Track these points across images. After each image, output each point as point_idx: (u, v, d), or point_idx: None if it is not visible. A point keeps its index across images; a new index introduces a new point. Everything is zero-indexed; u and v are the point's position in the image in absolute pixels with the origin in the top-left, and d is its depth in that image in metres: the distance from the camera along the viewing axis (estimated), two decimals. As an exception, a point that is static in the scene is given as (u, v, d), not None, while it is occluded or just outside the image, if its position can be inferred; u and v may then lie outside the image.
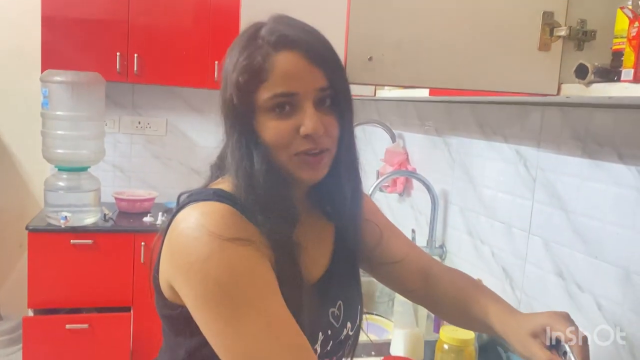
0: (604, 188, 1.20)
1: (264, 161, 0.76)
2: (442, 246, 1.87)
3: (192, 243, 0.70)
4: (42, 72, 2.55)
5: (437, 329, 1.47)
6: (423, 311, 1.45)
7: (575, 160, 1.29)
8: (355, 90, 0.86)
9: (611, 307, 1.18)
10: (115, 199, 2.87)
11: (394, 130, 2.24)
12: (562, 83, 0.92)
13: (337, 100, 0.79)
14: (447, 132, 1.88)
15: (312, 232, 0.86)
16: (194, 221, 0.72)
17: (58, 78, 2.47)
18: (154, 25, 2.74)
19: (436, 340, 1.35)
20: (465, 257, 1.75)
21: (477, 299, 0.91)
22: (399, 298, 1.46)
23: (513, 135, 1.53)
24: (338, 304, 0.88)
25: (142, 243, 2.61)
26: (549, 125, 1.39)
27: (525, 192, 1.46)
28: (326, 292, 0.86)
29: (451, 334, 1.29)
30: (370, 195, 1.83)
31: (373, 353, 1.43)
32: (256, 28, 0.78)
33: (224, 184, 0.80)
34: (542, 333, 0.79)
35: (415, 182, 2.09)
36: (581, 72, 0.86)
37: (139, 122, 3.11)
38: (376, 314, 1.94)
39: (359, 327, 0.94)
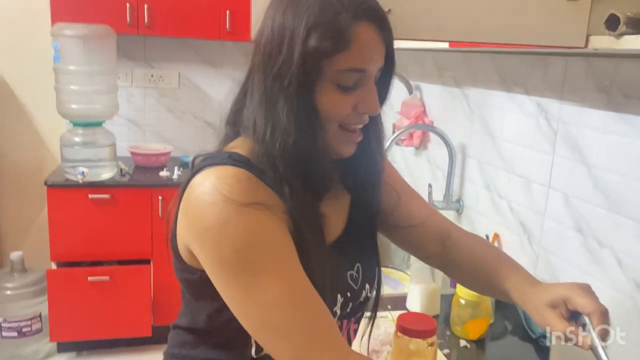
0: (629, 142, 1.17)
1: (318, 132, 0.73)
2: (459, 200, 1.86)
3: (209, 208, 0.69)
4: (52, 25, 2.51)
5: (453, 284, 1.48)
6: (439, 266, 1.45)
7: (599, 113, 1.25)
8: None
9: (631, 263, 1.17)
10: (131, 153, 2.88)
11: (411, 82, 2.19)
12: (590, 35, 0.87)
13: (384, 77, 0.79)
14: (466, 84, 1.83)
15: (328, 196, 0.84)
16: (209, 186, 0.70)
17: (69, 32, 2.43)
18: (163, -25, 2.66)
19: (452, 295, 1.36)
20: (482, 211, 1.74)
21: (497, 267, 0.89)
22: (415, 253, 1.46)
23: (534, 87, 1.48)
24: (356, 266, 0.88)
25: (160, 197, 2.63)
26: (572, 76, 1.34)
27: (545, 145, 1.43)
28: (343, 254, 0.86)
29: (468, 289, 1.29)
30: (387, 150, 1.81)
31: (389, 307, 1.44)
32: None
33: (240, 147, 0.77)
34: (561, 304, 0.78)
35: (432, 135, 2.05)
36: (612, 23, 0.82)
37: (152, 75, 3.07)
38: (392, 267, 1.95)
39: (379, 289, 0.94)
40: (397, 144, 2.13)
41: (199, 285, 0.77)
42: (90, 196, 2.55)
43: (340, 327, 0.87)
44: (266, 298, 0.68)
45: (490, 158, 1.69)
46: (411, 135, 2.11)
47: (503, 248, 1.61)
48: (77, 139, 2.55)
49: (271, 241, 0.70)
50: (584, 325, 0.76)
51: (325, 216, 0.79)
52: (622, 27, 0.81)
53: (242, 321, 0.71)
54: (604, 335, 0.74)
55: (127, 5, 2.63)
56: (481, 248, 0.95)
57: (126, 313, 2.67)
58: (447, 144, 1.83)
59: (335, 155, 0.79)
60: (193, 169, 0.76)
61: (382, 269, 1.97)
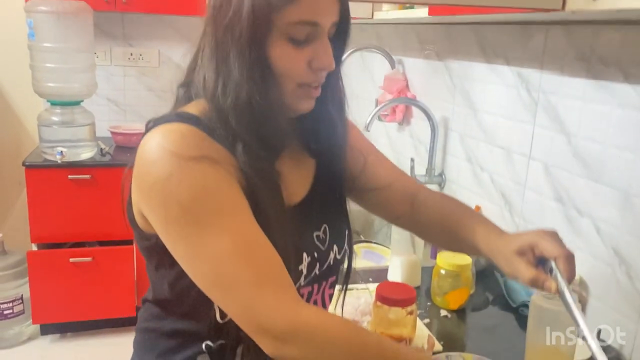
0: (608, 110, 1.16)
1: (272, 87, 0.72)
2: (441, 174, 1.85)
3: (153, 165, 0.69)
4: (26, 1, 2.44)
5: (434, 255, 1.47)
6: (420, 239, 1.44)
7: (579, 82, 1.24)
8: (352, 12, 0.82)
9: (609, 230, 1.17)
10: (112, 133, 2.83)
11: (393, 56, 2.17)
12: (567, -4, 0.86)
13: (340, 34, 0.77)
14: (448, 56, 1.82)
15: (291, 158, 0.84)
16: (154, 143, 0.70)
17: (43, 8, 2.37)
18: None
19: (433, 267, 1.35)
20: (464, 184, 1.74)
21: (464, 220, 0.90)
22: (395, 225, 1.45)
23: (515, 57, 1.47)
24: (323, 227, 0.87)
25: (141, 177, 2.59)
26: (552, 45, 1.33)
27: (526, 116, 1.42)
28: (308, 215, 0.85)
29: (448, 260, 1.29)
30: (369, 124, 1.79)
31: (370, 280, 1.44)
32: None
33: (192, 107, 0.76)
34: (528, 251, 0.79)
35: (414, 111, 2.04)
36: (588, -17, 0.80)
37: (131, 54, 3.02)
38: (375, 243, 1.95)
39: (351, 253, 0.93)
40: (379, 119, 2.11)
41: (155, 252, 0.77)
42: (69, 176, 2.51)
43: (312, 293, 0.87)
44: (213, 252, 0.67)
45: (471, 131, 1.68)
46: (394, 111, 2.10)
47: (484, 220, 1.62)
48: (55, 119, 2.50)
49: (217, 194, 0.69)
50: (550, 271, 0.76)
51: (282, 174, 0.78)
52: (599, -13, 0.79)
53: (193, 278, 0.70)
54: (570, 279, 0.75)
55: (104, -19, 2.57)
56: (448, 204, 0.96)
57: (109, 294, 2.64)
58: (429, 117, 1.82)
59: (292, 112, 0.78)
60: (145, 133, 0.75)
61: (365, 244, 1.96)
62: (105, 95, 3.01)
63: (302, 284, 0.83)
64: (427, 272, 1.43)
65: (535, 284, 0.76)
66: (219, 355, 0.80)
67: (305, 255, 0.83)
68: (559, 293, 0.75)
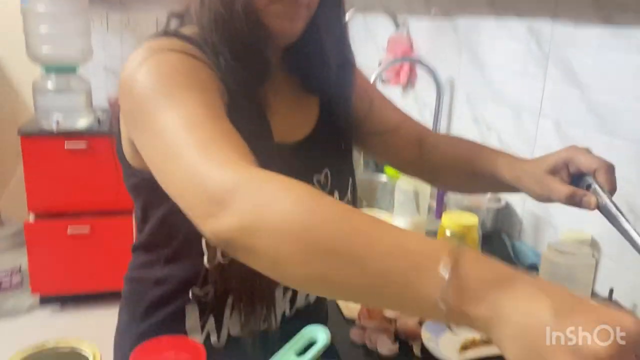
0: (624, 58, 1.09)
1: (246, 3, 0.67)
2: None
3: (130, 58, 0.65)
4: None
5: (439, 215, 1.42)
6: (424, 199, 1.39)
7: (593, 30, 1.17)
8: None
9: (625, 186, 1.10)
10: (109, 103, 2.77)
11: (398, 16, 2.08)
12: None
13: None
14: (456, 13, 1.74)
15: (292, 95, 0.81)
16: (137, 50, 0.66)
17: (35, -31, 2.30)
18: None
19: (437, 230, 1.30)
20: (470, 146, 1.67)
21: (481, 154, 0.84)
22: (399, 186, 1.40)
23: (526, 8, 1.39)
24: (324, 171, 0.82)
25: (139, 146, 2.54)
26: (566, -8, 1.25)
27: (536, 71, 1.35)
28: (308, 156, 0.80)
29: (453, 220, 1.23)
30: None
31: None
32: None
33: (183, 30, 0.72)
34: (562, 168, 0.73)
35: (419, 72, 1.96)
36: None
37: (128, 20, 2.94)
38: (378, 208, 1.89)
39: (355, 203, 0.88)
40: (382, 82, 2.04)
41: (143, 189, 0.74)
42: (66, 146, 2.46)
43: None
44: (168, 121, 0.58)
45: (479, 90, 1.61)
46: (397, 74, 2.02)
47: (491, 182, 1.56)
48: (50, 86, 2.44)
49: (189, 73, 0.63)
50: (589, 186, 0.70)
51: (280, 111, 0.74)
52: None
53: (149, 163, 0.61)
54: (612, 191, 0.70)
55: (98, -58, 2.49)
56: (459, 141, 0.91)
57: (108, 265, 2.60)
58: (434, 76, 1.75)
59: (275, 36, 0.71)
60: None
61: (368, 209, 1.90)
62: (102, 64, 2.93)
63: None
64: (432, 235, 1.37)
65: (572, 200, 0.70)
66: (207, 305, 0.76)
67: None
68: (600, 208, 0.69)
